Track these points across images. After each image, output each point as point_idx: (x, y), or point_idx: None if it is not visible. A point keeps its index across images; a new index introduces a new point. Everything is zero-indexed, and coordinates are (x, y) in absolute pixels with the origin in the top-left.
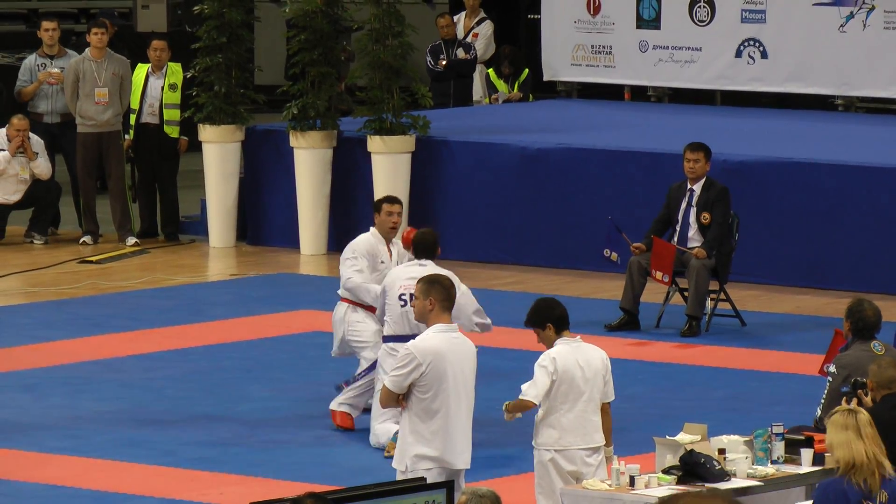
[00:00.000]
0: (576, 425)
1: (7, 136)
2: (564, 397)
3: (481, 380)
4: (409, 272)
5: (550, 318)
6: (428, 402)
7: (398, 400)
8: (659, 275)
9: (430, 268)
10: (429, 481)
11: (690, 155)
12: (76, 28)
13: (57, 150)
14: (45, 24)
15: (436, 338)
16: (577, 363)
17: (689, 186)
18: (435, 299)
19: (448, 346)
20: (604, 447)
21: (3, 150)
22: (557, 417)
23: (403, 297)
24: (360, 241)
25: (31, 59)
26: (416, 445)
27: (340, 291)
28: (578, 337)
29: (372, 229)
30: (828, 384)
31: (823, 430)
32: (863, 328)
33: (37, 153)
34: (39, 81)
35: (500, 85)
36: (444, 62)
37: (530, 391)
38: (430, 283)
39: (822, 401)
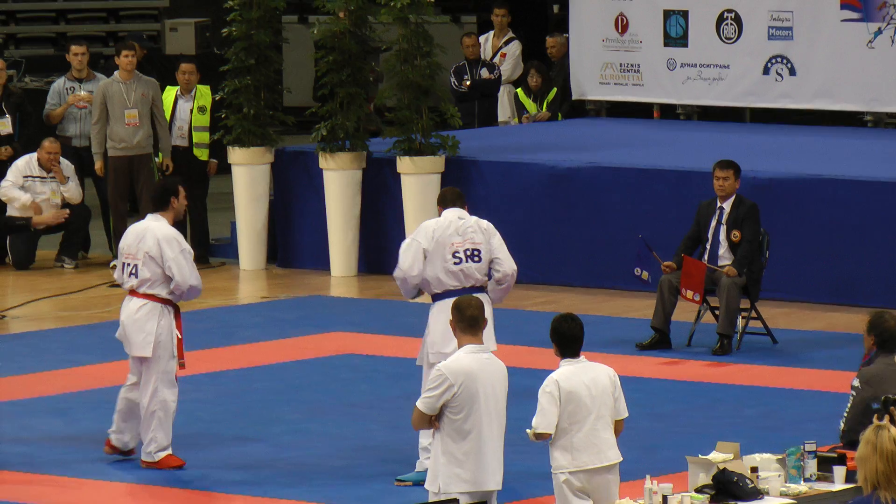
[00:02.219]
0: (587, 444)
1: (38, 158)
2: (572, 417)
3: (512, 400)
4: (452, 228)
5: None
6: (460, 423)
7: (430, 421)
8: (689, 293)
9: (466, 220)
10: (461, 503)
11: (720, 173)
12: (104, 51)
13: (86, 174)
14: (74, 48)
15: (467, 358)
16: (583, 382)
17: (718, 204)
18: (453, 322)
19: (479, 366)
20: None
21: (34, 177)
22: (569, 439)
23: (457, 255)
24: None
25: (59, 83)
26: (449, 466)
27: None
28: (583, 356)
29: (164, 220)
30: (851, 398)
31: (849, 446)
32: (887, 339)
33: (67, 177)
34: (68, 104)
35: (529, 104)
36: (467, 82)
37: (541, 423)
38: (451, 306)
39: (846, 414)
